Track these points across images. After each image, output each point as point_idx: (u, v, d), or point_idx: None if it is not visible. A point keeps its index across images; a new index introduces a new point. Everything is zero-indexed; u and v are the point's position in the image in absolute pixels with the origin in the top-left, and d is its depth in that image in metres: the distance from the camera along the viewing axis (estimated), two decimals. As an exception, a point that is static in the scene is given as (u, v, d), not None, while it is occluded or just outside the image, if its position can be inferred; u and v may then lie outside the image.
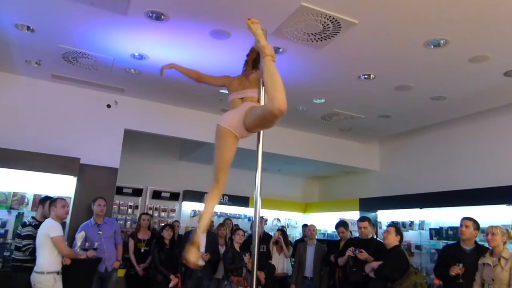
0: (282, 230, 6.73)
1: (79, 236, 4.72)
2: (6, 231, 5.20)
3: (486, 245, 4.10)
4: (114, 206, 7.40)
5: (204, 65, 4.93)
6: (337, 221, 6.36)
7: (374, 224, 6.68)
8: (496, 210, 5.52)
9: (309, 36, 4.03)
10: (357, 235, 5.17)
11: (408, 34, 3.93)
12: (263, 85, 2.66)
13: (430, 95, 5.48)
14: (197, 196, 8.51)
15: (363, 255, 4.60)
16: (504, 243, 3.87)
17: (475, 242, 4.18)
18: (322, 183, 10.39)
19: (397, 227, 4.65)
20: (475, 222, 4.15)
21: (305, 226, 7.28)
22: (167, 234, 5.64)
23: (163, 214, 8.34)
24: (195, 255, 2.32)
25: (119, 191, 7.55)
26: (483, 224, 4.29)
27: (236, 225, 7.48)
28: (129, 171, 7.56)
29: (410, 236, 6.80)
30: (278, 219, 9.40)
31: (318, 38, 4.08)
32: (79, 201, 5.50)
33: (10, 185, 5.33)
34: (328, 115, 6.57)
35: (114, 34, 4.32)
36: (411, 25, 3.76)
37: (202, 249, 5.66)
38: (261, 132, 2.62)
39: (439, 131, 6.99)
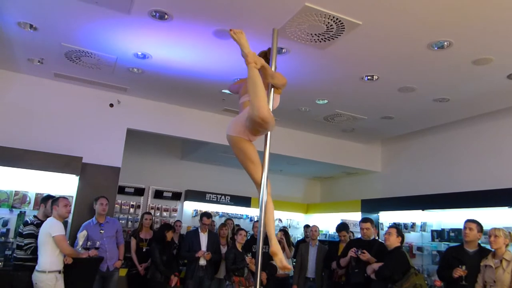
0: (284, 231, 6.73)
1: (81, 235, 4.72)
2: (8, 230, 5.21)
3: (489, 247, 4.09)
4: (116, 206, 7.41)
5: (207, 65, 4.93)
6: (338, 222, 6.36)
7: (376, 225, 6.67)
8: (498, 212, 5.51)
9: (312, 36, 4.03)
10: (359, 236, 5.16)
11: (411, 36, 3.92)
12: (270, 88, 2.66)
13: (433, 97, 5.47)
14: (199, 195, 8.52)
15: (365, 256, 4.59)
16: (507, 245, 3.87)
17: (479, 244, 4.18)
18: (324, 184, 10.38)
19: (398, 228, 4.65)
20: (478, 225, 4.14)
21: (307, 226, 7.28)
22: (168, 235, 5.63)
23: (165, 213, 8.35)
24: None
25: (121, 190, 7.56)
26: (485, 226, 4.28)
27: (238, 225, 7.48)
28: (131, 171, 7.57)
29: (411, 237, 6.79)
30: (280, 220, 9.39)
31: (322, 39, 4.07)
32: (81, 200, 5.51)
33: (12, 183, 5.34)
34: (331, 116, 6.56)
35: (117, 33, 4.32)
36: (415, 26, 3.75)
37: (204, 248, 5.66)
38: (269, 134, 2.64)
39: (442, 133, 6.97)
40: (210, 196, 8.58)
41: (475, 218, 4.23)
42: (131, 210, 7.99)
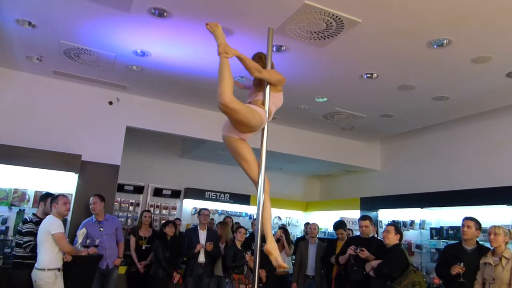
0: (284, 228, 6.74)
1: (80, 233, 4.73)
2: (7, 228, 5.21)
3: (487, 245, 4.10)
4: (115, 204, 7.41)
5: (206, 62, 4.93)
6: (337, 220, 6.37)
7: (375, 223, 6.68)
8: (497, 210, 5.52)
9: (312, 34, 4.02)
10: (358, 233, 5.17)
11: (411, 34, 3.92)
12: (266, 84, 2.67)
13: (433, 95, 5.47)
14: (198, 193, 8.52)
15: (364, 253, 4.60)
16: (506, 243, 3.88)
17: (477, 242, 4.18)
18: (324, 182, 10.39)
19: (397, 226, 4.66)
20: (477, 222, 4.14)
21: (307, 224, 7.29)
22: (169, 231, 5.64)
23: (164, 211, 8.35)
24: None
25: (121, 188, 7.56)
26: (484, 224, 4.29)
27: (237, 223, 7.49)
28: (130, 169, 7.57)
29: (410, 235, 6.80)
30: (279, 217, 9.40)
31: (321, 37, 4.06)
32: (80, 198, 5.51)
33: (11, 181, 5.33)
34: (330, 114, 6.56)
35: (116, 31, 4.31)
36: (415, 24, 3.75)
37: (203, 242, 5.67)
38: (265, 132, 2.64)
39: (441, 131, 6.98)
40: (209, 194, 8.58)
41: (473, 216, 4.24)
42: (131, 208, 8.00)
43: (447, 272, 4.05)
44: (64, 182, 5.52)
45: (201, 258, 5.63)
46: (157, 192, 8.34)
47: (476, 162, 6.33)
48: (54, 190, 5.04)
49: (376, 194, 7.77)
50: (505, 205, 5.39)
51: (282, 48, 4.36)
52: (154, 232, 6.08)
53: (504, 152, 5.96)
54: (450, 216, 6.29)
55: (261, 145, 2.62)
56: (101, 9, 3.85)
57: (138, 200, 8.16)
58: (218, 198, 8.65)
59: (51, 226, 4.13)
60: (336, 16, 3.66)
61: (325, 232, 8.65)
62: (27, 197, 5.35)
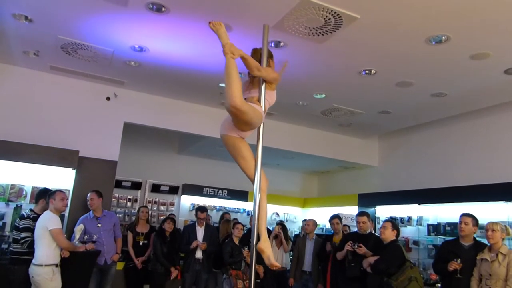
0: (282, 224, 6.74)
1: (78, 229, 4.72)
2: (4, 224, 5.20)
3: (484, 241, 4.12)
4: (113, 200, 7.40)
5: (204, 58, 4.91)
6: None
7: (373, 219, 6.70)
8: (494, 206, 5.54)
9: (310, 30, 4.01)
10: (356, 229, 5.19)
11: (409, 30, 3.91)
12: (261, 82, 2.67)
13: (431, 92, 5.47)
14: (196, 189, 8.52)
15: (362, 249, 4.61)
16: (503, 239, 3.89)
17: (474, 238, 4.20)
18: (321, 178, 10.40)
19: (394, 222, 4.67)
20: (474, 219, 4.16)
21: (305, 221, 7.30)
22: (168, 227, 5.64)
23: (162, 207, 8.35)
24: None
25: (118, 184, 7.55)
26: (481, 220, 4.30)
27: (235, 219, 7.49)
28: (128, 164, 7.55)
29: (408, 231, 6.83)
30: (277, 214, 9.41)
31: (320, 33, 4.05)
32: (77, 194, 5.49)
33: (8, 177, 5.31)
34: (328, 110, 6.55)
35: (114, 26, 4.29)
36: (413, 21, 3.74)
37: (200, 240, 5.68)
38: (261, 129, 2.64)
39: (439, 128, 6.99)
40: (207, 190, 8.58)
41: (470, 212, 4.25)
42: (128, 204, 7.99)
43: (444, 268, 4.07)
44: (62, 178, 5.50)
45: (199, 254, 5.63)
46: (155, 188, 8.34)
47: (473, 158, 6.35)
48: (51, 186, 5.02)
49: (374, 191, 7.79)
50: (502, 202, 5.42)
51: (281, 44, 4.35)
52: (151, 228, 6.08)
53: (501, 149, 5.98)
54: (447, 213, 6.31)
55: (257, 143, 2.62)
56: (99, 3, 3.82)
57: (136, 196, 8.16)
58: (216, 194, 8.65)
59: (48, 221, 4.13)
60: (335, 12, 3.65)
61: (322, 228, 8.67)
62: (24, 192, 5.34)
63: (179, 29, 4.24)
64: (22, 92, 5.61)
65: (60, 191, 4.45)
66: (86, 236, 4.83)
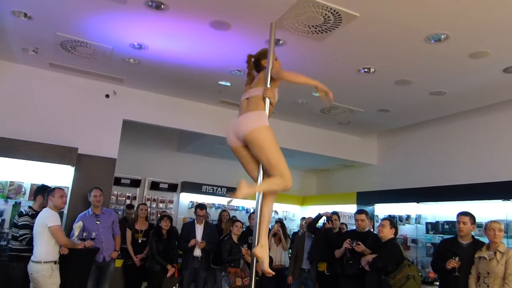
0: (281, 222, 6.75)
1: (77, 226, 4.72)
2: (3, 221, 5.20)
3: (483, 239, 4.13)
4: (112, 197, 7.40)
5: (203, 56, 4.91)
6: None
7: (371, 217, 6.72)
8: (492, 205, 5.55)
9: (309, 28, 4.01)
10: (352, 227, 5.21)
11: (409, 29, 3.91)
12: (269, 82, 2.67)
13: (430, 90, 5.47)
14: (195, 187, 8.52)
15: (360, 247, 4.62)
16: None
17: (472, 236, 4.21)
18: (320, 176, 10.41)
19: (392, 220, 4.68)
20: (471, 217, 4.16)
21: (304, 219, 7.32)
22: (165, 225, 5.65)
23: (161, 205, 8.36)
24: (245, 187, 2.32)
25: (117, 181, 7.54)
26: (480, 219, 4.31)
27: (234, 216, 7.50)
28: (127, 162, 7.55)
29: (406, 230, 6.84)
30: (276, 212, 9.41)
31: (319, 31, 4.05)
32: (76, 191, 5.49)
33: (7, 174, 5.31)
34: (327, 109, 6.56)
35: (113, 23, 4.28)
36: (412, 19, 3.74)
37: (199, 239, 5.68)
38: None
39: (438, 126, 6.99)
40: (206, 187, 8.58)
41: (468, 211, 4.26)
42: (127, 201, 7.98)
43: (443, 267, 4.08)
44: (61, 175, 5.50)
45: (197, 252, 5.64)
46: (154, 186, 8.34)
47: (472, 157, 6.35)
48: (50, 183, 5.03)
49: (373, 189, 7.80)
50: (500, 200, 5.42)
51: (280, 42, 4.34)
52: (150, 226, 6.08)
53: (500, 147, 5.98)
54: (446, 211, 6.32)
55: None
56: (98, 1, 3.81)
57: (135, 194, 8.16)
58: (215, 192, 8.65)
59: (47, 218, 4.13)
60: (334, 10, 3.65)
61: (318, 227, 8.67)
62: (23, 190, 5.34)
63: (178, 27, 4.24)
64: (21, 89, 5.60)
65: (59, 188, 4.45)
66: (85, 233, 4.83)
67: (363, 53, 4.54)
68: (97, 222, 5.09)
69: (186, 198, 8.64)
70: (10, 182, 5.30)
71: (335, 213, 5.92)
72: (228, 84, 5.76)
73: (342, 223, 6.50)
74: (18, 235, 4.39)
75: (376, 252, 4.44)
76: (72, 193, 5.48)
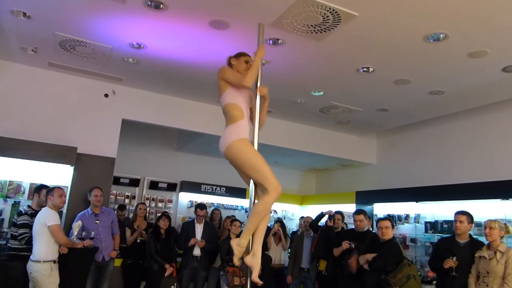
0: (281, 222, 6.76)
1: (76, 225, 4.72)
2: (2, 220, 5.20)
3: (480, 238, 4.13)
4: (111, 196, 7.40)
5: (203, 55, 4.91)
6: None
7: (370, 217, 6.72)
8: (491, 204, 5.56)
9: (308, 27, 4.01)
10: (351, 226, 5.22)
11: (407, 28, 3.92)
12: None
13: (429, 90, 5.48)
14: (194, 186, 8.52)
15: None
16: (501, 237, 3.90)
17: (470, 235, 4.22)
18: (319, 176, 10.42)
19: (391, 220, 4.69)
20: (468, 216, 4.17)
21: (302, 218, 7.32)
22: (163, 224, 5.65)
23: (160, 204, 8.36)
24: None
25: (116, 181, 7.54)
26: (479, 218, 4.32)
27: (233, 216, 7.50)
28: (126, 161, 7.55)
29: (405, 229, 6.85)
30: (275, 211, 9.42)
31: (318, 30, 4.05)
32: (75, 191, 5.49)
33: (6, 173, 5.31)
34: (327, 108, 6.56)
35: (112, 22, 4.28)
36: (411, 18, 3.74)
37: (199, 237, 5.69)
38: (256, 126, 2.64)
39: (437, 126, 7.00)
40: (205, 187, 8.58)
41: (467, 210, 4.26)
42: (126, 201, 7.99)
43: (440, 266, 4.09)
44: (60, 175, 5.50)
45: (197, 251, 5.64)
46: (153, 185, 8.34)
47: (471, 156, 6.36)
48: (49, 183, 5.02)
49: (372, 188, 7.80)
50: (499, 199, 5.43)
51: (279, 41, 4.34)
52: (149, 225, 6.09)
53: (499, 147, 5.99)
54: (444, 210, 6.33)
55: (253, 140, 2.62)
56: (97, 0, 3.81)
57: (134, 193, 8.16)
58: (214, 191, 8.65)
59: (47, 218, 4.13)
60: (333, 10, 3.65)
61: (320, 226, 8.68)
62: (22, 189, 5.34)
63: (177, 26, 4.24)
64: (20, 89, 5.60)
65: (59, 187, 4.45)
66: (84, 232, 4.83)
67: (362, 52, 4.54)
68: (97, 222, 5.09)
69: (185, 198, 8.65)
70: (9, 181, 5.29)
71: (339, 212, 5.90)
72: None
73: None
74: (17, 234, 4.38)
75: (374, 251, 4.45)
76: (71, 192, 5.48)
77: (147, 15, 4.02)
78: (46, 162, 5.25)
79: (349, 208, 7.74)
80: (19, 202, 5.26)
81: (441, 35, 3.99)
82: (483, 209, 5.39)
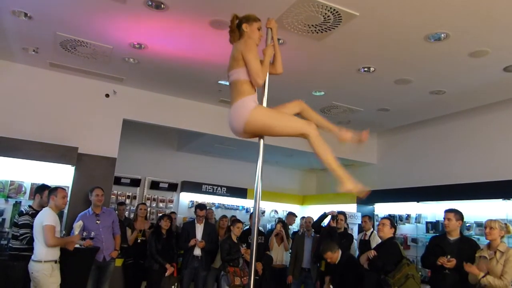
0: (283, 222, 6.76)
1: (77, 226, 4.72)
2: (4, 220, 5.20)
3: (482, 238, 4.13)
4: (112, 196, 7.40)
5: (203, 55, 4.91)
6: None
7: (371, 217, 6.72)
8: (493, 204, 5.55)
9: (309, 27, 4.01)
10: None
11: (408, 28, 3.91)
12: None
13: (430, 89, 5.47)
14: (195, 186, 8.53)
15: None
16: (502, 237, 3.91)
17: (460, 233, 4.25)
18: (320, 176, 10.41)
19: (392, 220, 4.69)
20: (456, 213, 4.20)
21: (303, 218, 7.32)
22: (164, 224, 5.65)
23: (161, 204, 8.37)
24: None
25: (117, 181, 7.55)
26: (480, 218, 4.31)
27: (234, 216, 7.50)
28: (127, 161, 7.56)
29: (406, 229, 6.84)
30: (276, 211, 9.43)
31: (319, 30, 4.05)
32: (76, 191, 5.49)
33: (8, 173, 5.32)
34: (327, 108, 6.55)
35: (113, 23, 4.28)
36: (412, 18, 3.74)
37: (199, 237, 5.69)
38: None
39: (438, 126, 6.99)
40: (206, 187, 8.59)
41: (468, 210, 4.28)
42: (127, 201, 7.99)
43: (431, 262, 4.14)
44: (61, 175, 5.50)
45: (197, 252, 5.64)
46: (154, 185, 8.34)
47: (472, 156, 6.35)
48: (50, 183, 5.02)
49: (373, 188, 7.68)
50: (500, 199, 5.42)
51: (280, 41, 4.34)
52: (150, 225, 6.09)
53: (500, 146, 5.98)
54: (445, 210, 6.32)
55: (259, 140, 2.60)
56: (98, 0, 3.82)
57: (135, 193, 8.17)
58: (214, 191, 8.66)
59: (44, 217, 4.11)
60: (334, 9, 3.65)
61: (322, 226, 8.67)
62: (23, 189, 5.35)
63: (178, 26, 4.24)
64: (21, 89, 5.61)
65: (62, 188, 4.44)
66: (85, 232, 4.84)
67: (363, 52, 4.54)
68: (97, 222, 5.09)
69: (186, 198, 8.65)
70: (11, 181, 5.31)
71: (341, 212, 5.91)
72: (228, 83, 5.76)
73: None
74: (18, 234, 4.38)
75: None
76: (72, 192, 5.49)
77: (147, 15, 4.02)
78: (47, 162, 5.26)
79: (350, 208, 7.74)
80: (20, 202, 5.27)
81: (442, 35, 3.99)
82: (485, 209, 5.38)
